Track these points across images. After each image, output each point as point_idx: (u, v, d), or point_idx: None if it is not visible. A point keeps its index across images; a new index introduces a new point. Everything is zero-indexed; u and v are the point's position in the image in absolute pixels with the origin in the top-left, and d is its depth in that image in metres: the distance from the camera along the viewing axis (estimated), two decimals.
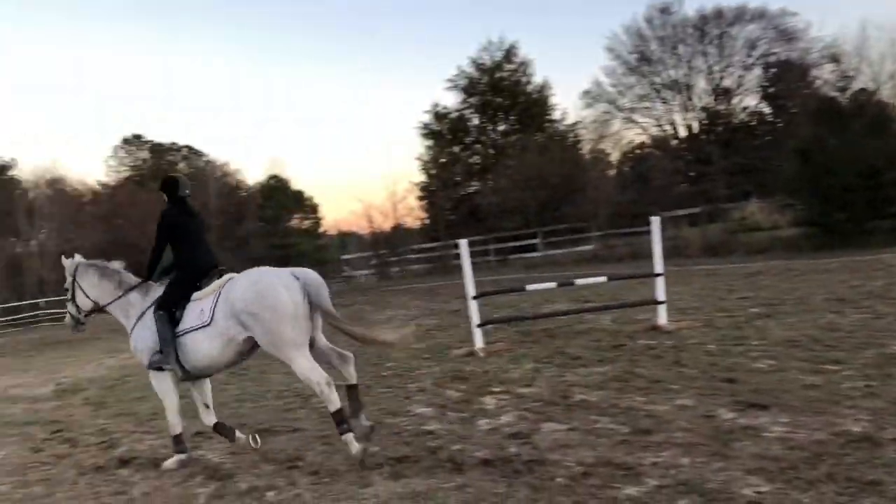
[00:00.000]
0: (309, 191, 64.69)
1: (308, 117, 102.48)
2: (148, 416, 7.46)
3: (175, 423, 5.61)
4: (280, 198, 61.73)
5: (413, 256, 27.62)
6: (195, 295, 5.68)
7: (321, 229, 68.46)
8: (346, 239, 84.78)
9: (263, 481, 4.84)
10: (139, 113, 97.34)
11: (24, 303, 40.26)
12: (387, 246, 28.63)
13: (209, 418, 5.85)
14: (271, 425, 6.44)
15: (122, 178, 61.52)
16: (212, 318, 5.40)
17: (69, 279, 6.40)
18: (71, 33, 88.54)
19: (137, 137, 63.51)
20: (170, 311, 5.62)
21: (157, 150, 64.32)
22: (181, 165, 65.21)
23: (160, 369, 5.72)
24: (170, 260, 6.11)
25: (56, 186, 49.30)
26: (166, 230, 6.09)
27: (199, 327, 5.44)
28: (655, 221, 9.77)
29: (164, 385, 5.76)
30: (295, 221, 64.61)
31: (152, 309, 5.76)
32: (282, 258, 56.87)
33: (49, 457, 6.21)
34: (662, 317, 9.63)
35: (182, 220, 6.17)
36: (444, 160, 28.77)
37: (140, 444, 6.28)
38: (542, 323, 10.69)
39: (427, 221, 30.49)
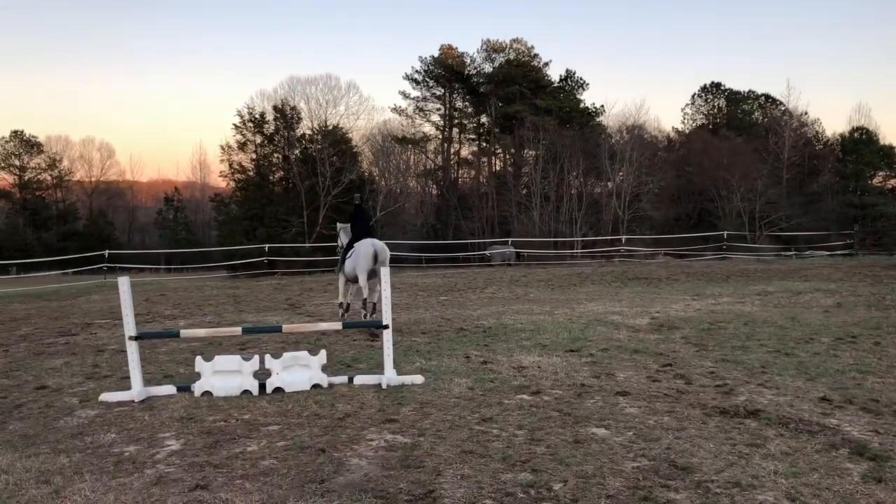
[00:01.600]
0: None
1: None
2: (759, 369, 7.03)
3: (341, 297, 11.34)
4: (864, 152, 55.29)
5: None
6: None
7: None
8: None
9: None
10: (718, 62, 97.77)
11: (601, 237, 44.29)
12: None
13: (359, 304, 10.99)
14: None
15: (697, 126, 62.58)
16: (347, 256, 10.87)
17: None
18: None
19: (717, 86, 63.42)
20: (344, 253, 11.05)
21: (734, 98, 63.39)
22: (756, 115, 63.37)
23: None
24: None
25: (636, 133, 52.58)
26: (352, 217, 11.31)
27: (347, 258, 10.75)
28: None
29: (339, 280, 11.39)
30: (878, 180, 57.50)
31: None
32: (858, 219, 51.58)
33: (668, 389, 6.27)
34: None
35: (357, 213, 11.23)
36: None
37: (761, 398, 5.87)
38: None
39: None
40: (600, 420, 5.33)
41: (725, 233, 33.61)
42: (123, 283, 6.27)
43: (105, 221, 65.01)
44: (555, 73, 59.73)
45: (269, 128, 42.89)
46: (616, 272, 21.43)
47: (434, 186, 58.92)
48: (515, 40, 58.21)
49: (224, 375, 6.32)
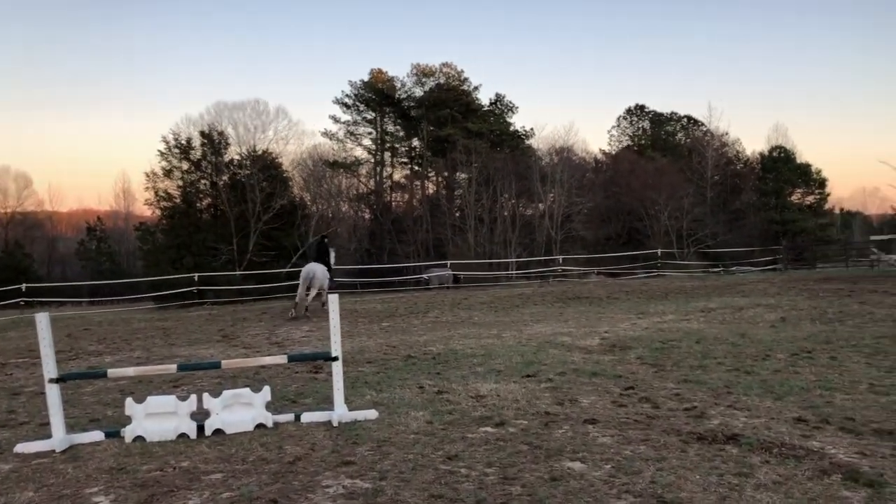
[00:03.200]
0: (816, 164, 58.93)
1: (816, 79, 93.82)
2: (723, 389, 6.81)
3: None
4: (783, 170, 57.36)
5: None
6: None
7: (826, 206, 62.20)
8: (849, 219, 76.04)
9: None
10: (641, 85, 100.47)
11: (533, 259, 44.39)
12: None
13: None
14: (889, 428, 5.20)
15: (623, 147, 63.85)
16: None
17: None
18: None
19: (641, 108, 64.98)
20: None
21: (657, 119, 65.05)
22: (679, 136, 65.12)
23: None
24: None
25: (565, 155, 53.23)
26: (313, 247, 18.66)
27: None
28: None
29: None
30: (797, 196, 59.64)
31: None
32: (779, 235, 53.30)
33: (637, 414, 5.97)
34: None
35: (318, 245, 17.81)
36: None
37: (735, 421, 5.62)
38: None
39: None
40: (574, 452, 4.96)
41: (660, 250, 34.10)
42: (42, 319, 5.62)
43: (22, 253, 61.89)
44: (485, 97, 60.17)
45: (196, 153, 41.59)
46: (556, 292, 21.31)
47: (367, 210, 58.33)
48: (445, 64, 58.43)
49: (158, 418, 5.71)
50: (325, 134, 57.64)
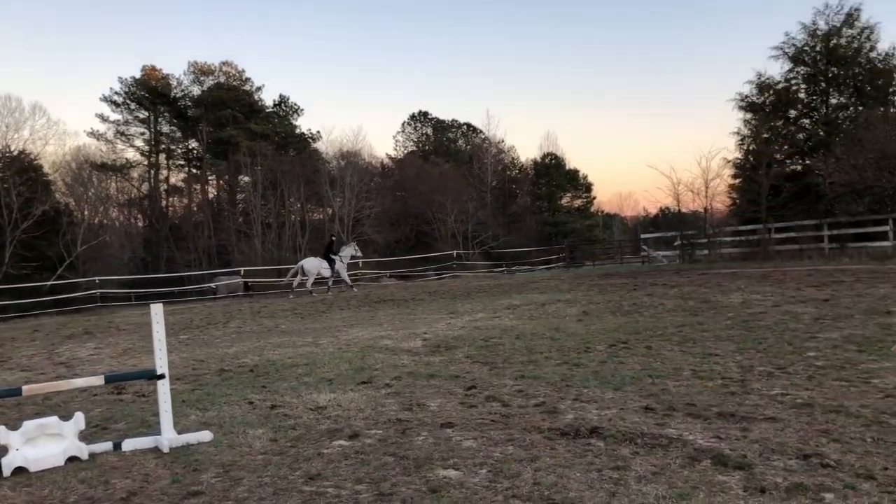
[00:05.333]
0: (582, 170, 64.00)
1: (586, 94, 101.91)
2: (561, 383, 6.89)
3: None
4: (554, 176, 61.58)
5: (727, 239, 25.45)
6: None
7: (592, 209, 67.69)
8: (610, 220, 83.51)
9: (782, 477, 3.93)
10: (424, 92, 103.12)
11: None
12: (696, 227, 26.72)
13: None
14: (733, 411, 5.49)
15: (408, 153, 64.99)
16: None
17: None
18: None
19: (424, 114, 66.50)
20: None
21: (440, 126, 66.97)
22: (460, 142, 67.56)
23: None
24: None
25: (353, 159, 53.12)
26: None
27: None
28: None
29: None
30: (566, 200, 64.32)
31: None
32: (552, 236, 57.15)
33: (491, 414, 5.82)
34: None
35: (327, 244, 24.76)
36: (766, 135, 25.97)
37: (588, 414, 5.65)
38: None
39: (737, 201, 27.89)
40: (443, 460, 4.68)
41: (456, 252, 34.98)
42: None
43: None
44: (269, 98, 58.48)
45: None
46: (359, 296, 21.03)
47: (141, 216, 54.32)
48: (225, 63, 56.02)
49: None
50: (92, 134, 52.90)
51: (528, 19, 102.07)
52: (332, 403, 6.53)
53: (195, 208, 55.38)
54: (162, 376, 5.33)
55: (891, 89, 25.65)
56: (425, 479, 4.33)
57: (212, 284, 31.02)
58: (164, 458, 5.03)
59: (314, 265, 23.43)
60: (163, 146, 55.77)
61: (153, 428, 5.78)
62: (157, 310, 5.39)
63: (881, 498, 3.63)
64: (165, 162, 56.62)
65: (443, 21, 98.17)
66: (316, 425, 5.77)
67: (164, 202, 55.94)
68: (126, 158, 53.86)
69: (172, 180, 57.29)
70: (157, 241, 50.55)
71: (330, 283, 23.82)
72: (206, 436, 5.43)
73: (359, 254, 25.10)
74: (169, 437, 5.27)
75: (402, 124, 66.86)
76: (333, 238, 26.41)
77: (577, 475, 4.24)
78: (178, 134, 55.93)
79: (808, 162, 26.46)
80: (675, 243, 26.37)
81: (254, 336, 12.65)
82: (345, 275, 24.03)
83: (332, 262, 23.74)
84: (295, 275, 23.74)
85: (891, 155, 19.63)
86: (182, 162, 57.27)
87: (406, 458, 4.74)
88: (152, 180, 55.33)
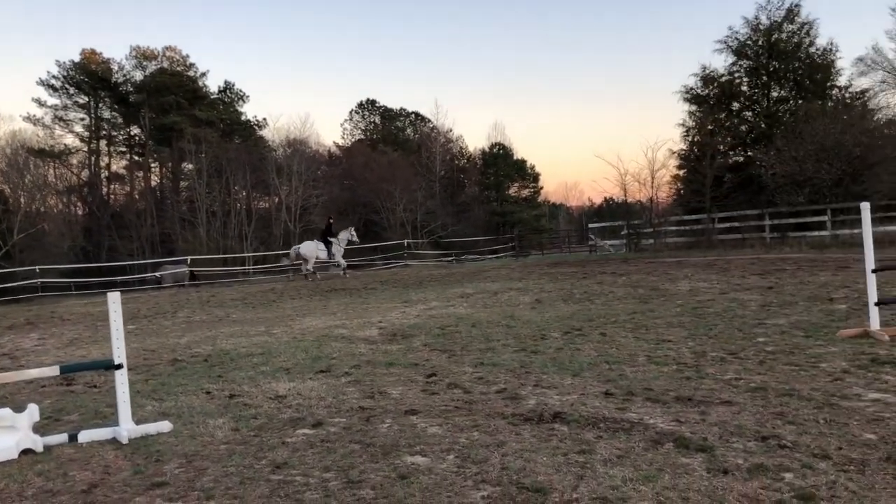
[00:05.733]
0: (530, 160, 64.50)
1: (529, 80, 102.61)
2: (521, 369, 6.97)
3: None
4: (502, 165, 61.86)
5: (672, 228, 26.00)
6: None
7: (539, 199, 68.32)
8: (556, 209, 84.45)
9: (742, 458, 4.07)
10: (372, 80, 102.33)
11: (271, 253, 43.10)
12: (641, 216, 27.19)
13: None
14: (690, 395, 5.63)
15: (356, 141, 64.50)
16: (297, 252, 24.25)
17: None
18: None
19: (372, 103, 66.04)
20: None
21: (388, 115, 66.61)
22: (409, 131, 67.33)
23: None
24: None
25: (300, 147, 52.46)
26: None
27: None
28: (864, 208, 7.76)
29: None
30: (514, 190, 64.72)
31: None
32: (500, 225, 57.54)
33: (454, 401, 5.86)
34: None
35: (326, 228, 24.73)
36: (710, 127, 26.64)
37: (549, 399, 5.73)
38: None
39: (682, 192, 28.52)
40: (410, 446, 4.70)
41: (407, 241, 34.90)
42: None
43: None
44: (213, 85, 57.30)
45: None
46: (309, 285, 20.86)
47: (81, 204, 52.77)
48: (169, 48, 54.67)
49: None
50: (29, 119, 51.02)
51: (476, 6, 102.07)
52: (293, 392, 6.48)
53: (137, 196, 54.05)
54: (120, 366, 5.22)
55: (829, 84, 26.64)
56: (393, 465, 4.34)
57: (156, 274, 30.38)
58: (124, 449, 4.93)
59: (311, 249, 23.77)
60: (104, 132, 54.22)
61: (108, 419, 5.66)
62: (114, 298, 5.27)
63: (837, 476, 3.78)
64: (106, 148, 55.07)
65: (391, 8, 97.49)
66: (278, 414, 5.72)
67: (105, 190, 54.41)
68: (65, 144, 52.15)
69: (114, 167, 55.79)
70: (99, 229, 49.19)
71: (311, 268, 23.98)
72: (165, 426, 5.33)
73: (355, 238, 25.26)
74: (127, 428, 5.16)
75: (350, 112, 66.40)
76: (331, 220, 26.55)
77: (543, 459, 4.30)
78: (120, 120, 54.40)
79: (750, 153, 27.29)
80: (622, 233, 26.86)
81: (205, 326, 12.46)
82: (340, 258, 24.37)
83: (329, 245, 24.09)
84: (293, 260, 25.01)
85: (829, 147, 20.42)
86: (124, 149, 55.79)
87: (372, 446, 4.74)
88: (93, 167, 53.77)
